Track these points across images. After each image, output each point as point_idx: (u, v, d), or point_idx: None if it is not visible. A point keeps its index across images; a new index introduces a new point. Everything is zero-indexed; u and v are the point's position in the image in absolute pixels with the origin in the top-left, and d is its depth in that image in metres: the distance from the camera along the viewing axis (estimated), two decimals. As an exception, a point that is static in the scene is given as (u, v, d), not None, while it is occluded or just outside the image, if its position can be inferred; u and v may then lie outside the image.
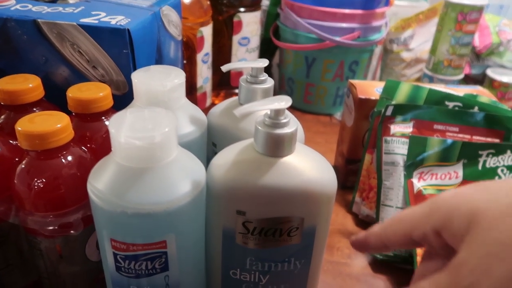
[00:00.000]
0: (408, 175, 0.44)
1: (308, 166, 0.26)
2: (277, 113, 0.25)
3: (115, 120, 0.24)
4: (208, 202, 0.28)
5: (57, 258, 0.32)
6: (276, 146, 0.26)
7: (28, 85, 0.34)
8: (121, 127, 0.23)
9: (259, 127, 0.25)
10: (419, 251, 0.41)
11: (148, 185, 0.24)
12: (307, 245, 0.28)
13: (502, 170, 0.44)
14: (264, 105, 0.25)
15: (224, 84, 0.75)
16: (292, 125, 0.26)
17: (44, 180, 0.29)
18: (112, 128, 0.23)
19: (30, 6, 0.40)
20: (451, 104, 0.47)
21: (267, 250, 0.28)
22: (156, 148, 0.23)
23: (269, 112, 0.26)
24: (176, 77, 0.31)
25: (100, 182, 0.24)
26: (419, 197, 0.43)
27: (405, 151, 0.44)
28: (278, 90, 0.85)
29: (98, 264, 0.31)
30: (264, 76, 0.33)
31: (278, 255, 0.28)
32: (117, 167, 0.24)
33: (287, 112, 0.26)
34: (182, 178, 0.25)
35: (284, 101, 0.25)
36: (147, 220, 0.24)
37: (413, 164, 0.44)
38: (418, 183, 0.44)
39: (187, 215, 0.25)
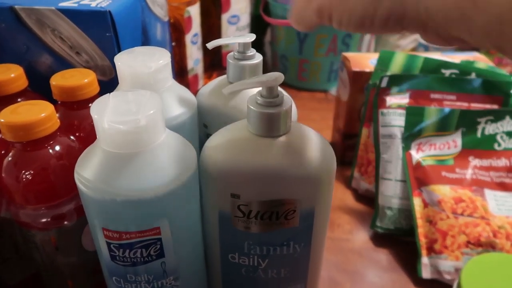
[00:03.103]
0: (406, 147, 0.43)
1: (305, 146, 0.25)
2: (270, 91, 0.24)
3: (97, 105, 0.23)
4: (202, 186, 0.27)
5: (53, 250, 0.32)
6: (270, 126, 0.25)
7: (10, 75, 0.33)
8: (104, 112, 0.22)
9: (251, 107, 0.24)
10: (421, 223, 0.41)
11: (136, 170, 0.23)
12: (306, 228, 0.27)
13: (501, 137, 0.43)
14: (253, 82, 0.24)
15: (216, 65, 0.73)
16: (286, 102, 0.25)
17: (32, 172, 0.29)
18: (95, 113, 0.22)
19: (6, -8, 0.38)
20: (447, 72, 0.46)
21: (265, 234, 0.27)
22: (142, 132, 0.22)
23: (261, 90, 0.25)
24: (161, 57, 0.30)
25: (87, 171, 0.23)
26: (418, 168, 0.42)
27: (402, 123, 0.44)
28: (271, 68, 0.84)
29: (96, 255, 0.30)
30: (252, 51, 0.32)
31: (276, 238, 0.27)
32: (103, 154, 0.23)
33: (280, 89, 0.25)
34: (172, 162, 0.24)
35: (274, 77, 0.24)
36: (138, 207, 0.23)
37: (411, 135, 0.43)
38: (416, 155, 0.43)
39: (179, 200, 0.25)
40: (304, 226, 0.27)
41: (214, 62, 0.73)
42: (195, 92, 0.38)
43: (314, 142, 0.26)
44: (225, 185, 0.26)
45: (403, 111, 0.44)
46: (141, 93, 0.24)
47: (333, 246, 0.44)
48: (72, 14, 0.35)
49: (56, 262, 0.32)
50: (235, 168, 0.25)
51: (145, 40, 0.44)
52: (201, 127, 0.35)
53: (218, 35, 0.70)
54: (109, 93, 0.24)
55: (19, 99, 0.34)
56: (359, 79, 0.50)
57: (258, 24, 0.81)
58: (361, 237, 0.45)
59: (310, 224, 0.27)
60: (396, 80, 0.45)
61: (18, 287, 0.36)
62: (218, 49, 0.71)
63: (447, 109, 0.43)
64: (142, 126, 0.22)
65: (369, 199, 0.49)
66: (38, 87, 0.36)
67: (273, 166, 0.25)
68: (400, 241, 0.44)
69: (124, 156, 0.23)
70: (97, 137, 0.24)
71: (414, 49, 0.84)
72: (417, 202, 0.41)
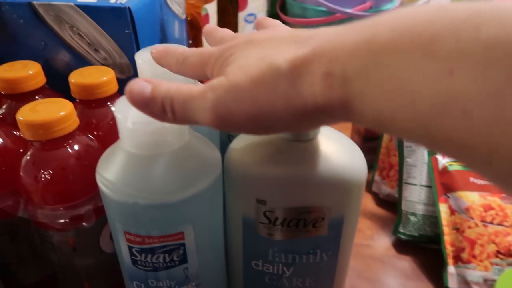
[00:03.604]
0: (433, 151, 0.42)
1: (336, 151, 0.24)
2: None
3: (120, 104, 0.22)
4: (226, 190, 0.26)
5: (70, 252, 0.31)
6: None
7: (28, 72, 0.32)
8: (128, 112, 0.21)
9: None
10: (447, 231, 0.39)
11: (160, 173, 0.22)
12: (334, 237, 0.26)
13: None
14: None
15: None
16: None
17: (51, 172, 0.28)
18: (118, 113, 0.21)
19: (25, -13, 0.38)
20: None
21: (291, 241, 0.26)
22: (167, 133, 0.21)
23: None
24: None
25: (110, 172, 0.22)
26: (445, 173, 0.41)
27: (428, 126, 0.42)
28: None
29: (113, 256, 0.29)
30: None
31: (303, 246, 0.26)
32: (126, 156, 0.22)
33: None
34: (196, 165, 0.23)
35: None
36: (161, 210, 0.22)
37: (437, 139, 0.42)
38: (443, 159, 0.41)
39: (204, 204, 0.24)
40: (332, 234, 0.26)
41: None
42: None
43: (345, 147, 0.25)
44: (251, 190, 0.24)
45: (428, 114, 0.42)
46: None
47: (353, 252, 0.42)
48: (91, 10, 0.35)
49: (73, 263, 0.32)
50: (262, 172, 0.24)
51: (163, 37, 0.43)
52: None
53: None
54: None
55: (36, 97, 0.34)
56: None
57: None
58: (382, 243, 0.43)
59: (338, 233, 0.26)
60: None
61: (34, 287, 0.35)
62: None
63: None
64: (167, 127, 0.21)
65: (390, 204, 0.48)
66: (55, 84, 0.35)
67: (302, 171, 0.23)
68: (424, 249, 0.42)
69: (147, 158, 0.22)
70: (120, 137, 0.23)
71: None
72: (443, 209, 0.40)
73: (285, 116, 0.17)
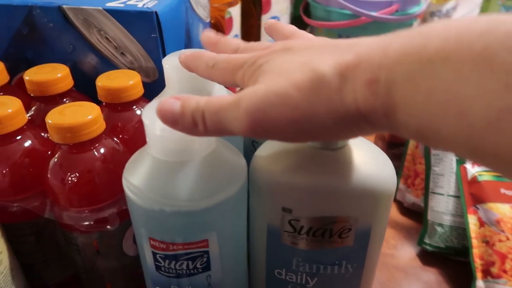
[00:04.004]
0: (461, 160, 0.40)
1: (364, 160, 0.23)
2: None
3: (149, 110, 0.22)
4: (251, 198, 0.25)
5: (93, 254, 0.31)
6: None
7: (57, 75, 0.33)
8: (156, 118, 0.21)
9: None
10: (476, 243, 0.38)
11: (186, 180, 0.22)
12: (360, 248, 0.25)
13: None
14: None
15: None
16: None
17: (77, 175, 0.28)
18: (147, 119, 0.21)
19: (55, -9, 0.38)
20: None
21: (316, 251, 0.25)
22: (195, 140, 0.21)
23: None
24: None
25: (136, 178, 0.22)
26: (474, 184, 0.39)
27: (457, 134, 0.41)
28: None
29: (136, 259, 0.29)
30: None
31: (328, 257, 0.25)
32: (153, 162, 0.22)
33: None
34: (223, 172, 0.23)
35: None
36: (187, 218, 0.22)
37: (466, 147, 0.40)
38: (472, 169, 0.40)
39: (229, 212, 0.23)
40: (358, 245, 0.25)
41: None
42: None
43: (373, 156, 0.24)
44: (276, 198, 0.24)
45: (457, 121, 0.41)
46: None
47: (376, 262, 0.41)
48: (119, 15, 0.35)
49: (97, 265, 0.32)
50: (289, 181, 0.23)
51: (188, 41, 0.43)
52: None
53: (257, 36, 0.69)
54: (158, 97, 0.23)
55: (65, 99, 0.34)
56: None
57: (298, 24, 0.78)
58: (407, 253, 0.42)
59: (365, 244, 0.25)
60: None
61: (57, 287, 0.36)
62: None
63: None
64: (194, 134, 0.21)
65: (415, 213, 0.46)
66: (83, 87, 0.36)
67: (329, 181, 0.23)
68: (450, 261, 0.41)
69: (174, 164, 0.22)
70: (147, 143, 0.23)
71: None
72: (472, 221, 0.38)
73: (327, 121, 0.16)
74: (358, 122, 0.16)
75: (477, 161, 0.14)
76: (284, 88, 0.17)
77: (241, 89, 0.20)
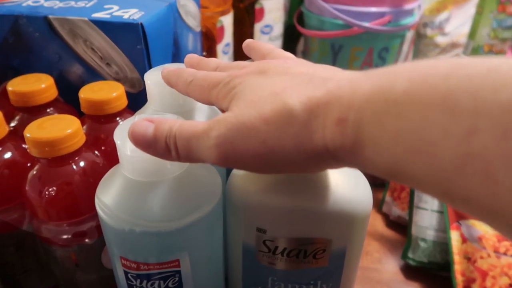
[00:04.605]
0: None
1: (340, 182, 0.23)
2: None
3: (120, 130, 0.22)
4: (227, 215, 0.25)
5: (72, 267, 0.31)
6: None
7: (41, 85, 0.33)
8: (127, 139, 0.21)
9: None
10: (458, 259, 0.38)
11: (157, 201, 0.22)
12: (335, 268, 0.25)
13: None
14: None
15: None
16: None
17: (55, 188, 0.28)
18: (118, 139, 0.21)
19: (42, 1, 0.39)
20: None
21: (291, 271, 0.25)
22: (166, 161, 0.21)
23: None
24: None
25: (108, 197, 0.22)
26: (458, 200, 0.39)
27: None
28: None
29: (115, 272, 0.29)
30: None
31: (303, 277, 0.25)
32: (125, 181, 0.22)
33: None
34: (195, 192, 0.23)
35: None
36: (158, 238, 0.22)
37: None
38: (456, 185, 0.40)
39: (202, 232, 0.23)
40: (334, 266, 0.25)
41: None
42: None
43: (350, 178, 0.24)
44: (251, 218, 0.24)
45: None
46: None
47: (360, 276, 0.41)
48: (104, 26, 0.35)
49: (75, 278, 0.32)
50: (263, 201, 0.23)
51: (176, 51, 0.43)
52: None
53: (250, 45, 0.69)
54: (136, 113, 0.23)
55: (48, 109, 0.34)
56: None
57: (291, 32, 0.79)
58: (390, 267, 0.42)
59: (340, 264, 0.25)
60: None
61: (38, 297, 0.36)
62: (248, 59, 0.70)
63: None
64: (166, 155, 0.21)
65: (401, 226, 0.46)
66: (68, 96, 0.36)
67: (304, 202, 0.23)
68: (433, 276, 0.41)
69: (146, 184, 0.22)
70: (120, 162, 0.23)
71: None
72: (454, 236, 0.38)
73: (294, 157, 0.16)
74: (326, 158, 0.16)
75: (449, 204, 0.14)
76: (253, 121, 0.17)
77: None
